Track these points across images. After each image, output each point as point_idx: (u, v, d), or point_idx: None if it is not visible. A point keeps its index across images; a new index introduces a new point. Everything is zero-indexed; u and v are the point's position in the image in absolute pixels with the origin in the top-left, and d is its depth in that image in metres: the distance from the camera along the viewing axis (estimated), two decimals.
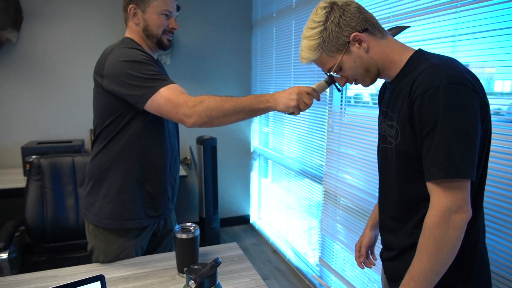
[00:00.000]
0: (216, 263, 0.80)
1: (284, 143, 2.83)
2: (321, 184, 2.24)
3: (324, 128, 2.21)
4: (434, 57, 0.88)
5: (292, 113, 1.15)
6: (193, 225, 1.25)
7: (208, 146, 2.80)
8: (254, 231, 3.40)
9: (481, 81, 0.87)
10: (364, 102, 2.08)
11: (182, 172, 2.71)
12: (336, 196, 2.10)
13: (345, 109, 2.10)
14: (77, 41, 2.76)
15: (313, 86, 1.14)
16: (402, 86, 0.90)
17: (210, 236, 2.88)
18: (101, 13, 2.80)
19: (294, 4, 2.52)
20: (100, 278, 0.89)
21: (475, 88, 0.80)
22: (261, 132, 3.27)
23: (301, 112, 1.15)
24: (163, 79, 1.17)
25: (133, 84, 1.15)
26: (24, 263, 2.06)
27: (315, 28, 0.92)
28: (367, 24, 0.91)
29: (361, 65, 0.94)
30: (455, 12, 1.33)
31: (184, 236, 1.20)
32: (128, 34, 1.32)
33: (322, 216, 2.26)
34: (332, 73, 0.98)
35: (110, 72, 1.18)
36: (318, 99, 1.15)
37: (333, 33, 0.91)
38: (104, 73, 1.19)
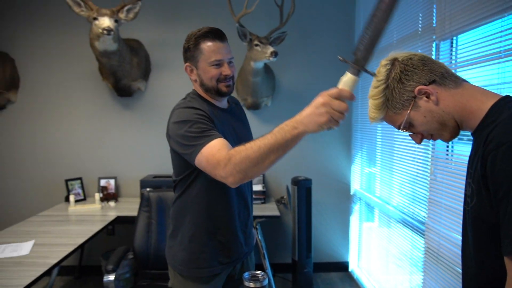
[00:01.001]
0: None
1: (385, 188, 2.61)
2: (423, 237, 1.97)
3: (426, 175, 1.97)
4: None
5: (330, 128, 0.93)
6: (262, 273, 1.23)
7: (303, 187, 2.76)
8: (352, 281, 3.14)
9: None
10: None
11: (275, 212, 2.73)
12: (439, 255, 1.81)
13: (452, 153, 1.84)
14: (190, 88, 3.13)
15: (338, 85, 0.91)
16: (481, 139, 0.78)
17: (302, 281, 2.77)
18: None
19: (395, 41, 2.40)
20: None
21: None
22: (362, 174, 3.10)
23: (340, 122, 0.92)
24: (207, 136, 1.14)
25: (184, 144, 1.18)
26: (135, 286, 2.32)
27: (378, 87, 0.90)
28: (434, 75, 0.85)
29: (432, 119, 0.87)
30: None
31: (251, 284, 1.19)
32: (194, 87, 1.40)
33: (424, 276, 1.97)
34: (402, 130, 0.90)
35: (170, 133, 1.26)
36: (352, 98, 0.89)
37: (395, 90, 0.88)
38: (168, 133, 1.29)
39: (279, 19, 2.75)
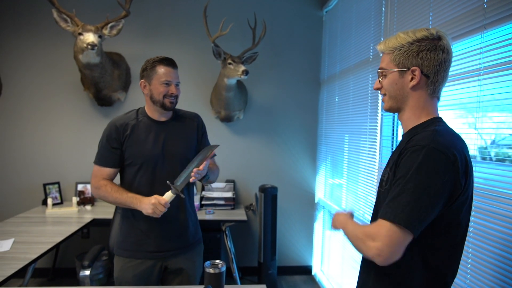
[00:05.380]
0: None
1: (346, 196, 2.88)
2: None
3: (373, 185, 2.25)
4: (443, 125, 0.98)
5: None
6: (221, 262, 1.45)
7: (269, 195, 3.00)
8: (314, 284, 3.38)
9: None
10: None
11: (243, 217, 2.94)
12: None
13: None
14: None
15: (165, 196, 1.51)
16: (406, 139, 1.01)
17: (267, 282, 2.98)
18: (182, 78, 3.36)
19: (352, 65, 2.70)
20: None
21: (456, 163, 0.88)
22: (326, 184, 3.36)
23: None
24: (99, 158, 1.67)
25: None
26: (107, 283, 2.46)
27: (409, 37, 0.99)
28: (432, 75, 0.98)
29: (396, 89, 1.02)
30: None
31: (211, 270, 1.40)
32: (145, 100, 1.70)
33: None
34: (378, 71, 1.07)
35: None
36: (167, 206, 1.51)
37: (409, 52, 0.98)
38: None
39: (252, 40, 3.02)
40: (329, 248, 3.27)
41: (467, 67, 1.45)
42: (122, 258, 1.67)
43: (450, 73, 1.51)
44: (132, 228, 1.67)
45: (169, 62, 1.63)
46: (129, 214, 1.67)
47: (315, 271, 3.54)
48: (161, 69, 1.61)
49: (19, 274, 1.79)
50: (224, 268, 1.42)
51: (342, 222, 1.08)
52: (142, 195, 1.60)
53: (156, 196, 1.50)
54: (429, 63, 0.97)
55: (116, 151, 1.65)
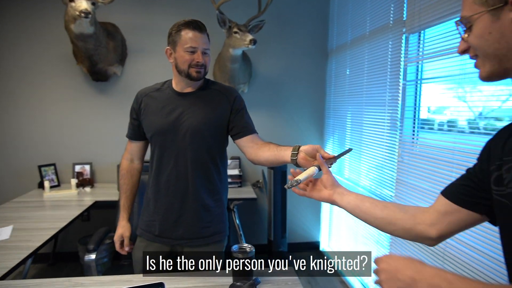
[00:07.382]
0: (255, 282, 0.86)
1: (355, 171, 2.78)
2: None
3: (394, 158, 2.14)
4: None
5: None
6: (250, 246, 1.33)
7: (279, 171, 2.88)
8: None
9: None
10: (440, 127, 1.95)
11: (252, 194, 2.83)
12: None
13: (417, 137, 2.01)
14: (167, 74, 3.13)
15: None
16: None
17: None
18: None
19: (367, 32, 2.53)
20: (160, 285, 1.02)
21: None
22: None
23: None
24: (128, 134, 1.62)
25: None
26: (112, 266, 2.36)
27: None
28: None
29: (495, 41, 0.65)
30: None
31: (240, 255, 1.29)
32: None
33: (390, 251, 2.15)
34: (458, 24, 0.71)
35: None
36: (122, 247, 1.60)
37: None
38: None
39: (257, 7, 2.81)
40: (338, 223, 3.21)
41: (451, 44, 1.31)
42: (138, 235, 1.60)
43: (436, 49, 1.32)
44: (147, 206, 1.57)
45: (195, 25, 1.41)
46: (148, 191, 1.57)
47: (323, 246, 3.49)
48: (187, 34, 1.40)
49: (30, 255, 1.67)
50: (253, 252, 1.31)
51: (426, 275, 0.64)
52: (156, 170, 1.51)
53: (121, 233, 1.57)
54: None
55: (135, 122, 1.57)
